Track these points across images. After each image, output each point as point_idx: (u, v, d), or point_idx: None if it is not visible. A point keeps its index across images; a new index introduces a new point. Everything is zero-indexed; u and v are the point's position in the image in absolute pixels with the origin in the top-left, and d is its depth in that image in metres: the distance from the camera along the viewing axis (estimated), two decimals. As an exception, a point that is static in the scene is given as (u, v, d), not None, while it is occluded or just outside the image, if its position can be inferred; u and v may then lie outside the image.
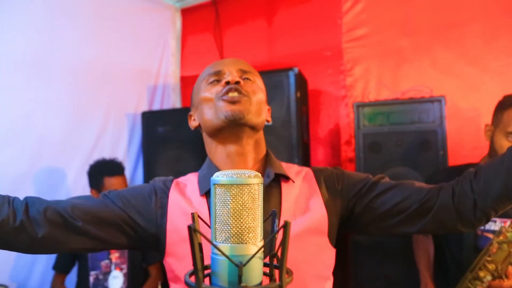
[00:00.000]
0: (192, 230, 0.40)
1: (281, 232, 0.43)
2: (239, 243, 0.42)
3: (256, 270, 0.43)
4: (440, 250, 1.79)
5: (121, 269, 2.09)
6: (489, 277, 1.41)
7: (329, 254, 0.91)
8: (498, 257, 1.39)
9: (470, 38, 2.40)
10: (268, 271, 0.47)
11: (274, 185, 0.92)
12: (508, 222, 1.46)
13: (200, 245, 0.43)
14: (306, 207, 0.90)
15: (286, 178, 0.93)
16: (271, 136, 2.15)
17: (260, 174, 0.45)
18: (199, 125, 0.97)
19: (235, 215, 0.43)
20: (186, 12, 3.35)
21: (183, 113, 2.84)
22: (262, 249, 0.43)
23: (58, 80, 2.36)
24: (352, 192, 0.93)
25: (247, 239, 0.43)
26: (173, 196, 0.92)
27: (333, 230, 0.91)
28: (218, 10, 3.18)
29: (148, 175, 2.73)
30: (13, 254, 2.12)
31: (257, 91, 0.93)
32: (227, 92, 0.88)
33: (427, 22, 2.51)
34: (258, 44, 3.04)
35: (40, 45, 2.26)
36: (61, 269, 2.14)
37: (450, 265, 1.69)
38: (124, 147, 2.85)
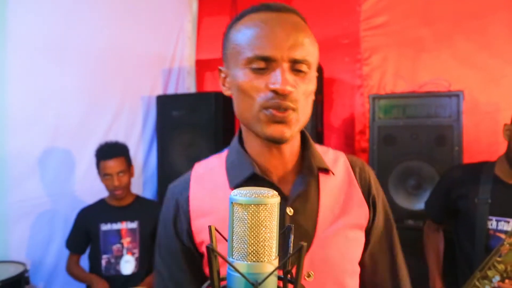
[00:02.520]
0: (210, 250, 0.41)
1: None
2: (255, 262, 0.44)
3: (270, 287, 0.44)
4: (451, 246, 1.79)
5: (132, 254, 2.14)
6: (497, 277, 1.42)
7: (362, 245, 0.87)
8: (509, 258, 1.39)
9: (494, 28, 2.34)
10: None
11: (311, 177, 0.84)
12: (521, 224, 1.46)
13: (217, 256, 0.44)
14: (347, 202, 0.84)
15: (325, 170, 0.86)
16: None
17: (277, 193, 0.46)
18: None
19: (252, 233, 0.44)
20: (202, -6, 3.32)
21: (198, 98, 2.86)
22: (277, 267, 0.45)
23: (74, 63, 2.38)
24: (374, 216, 0.88)
25: (263, 257, 0.44)
26: (194, 197, 0.84)
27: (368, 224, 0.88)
28: (235, -7, 3.14)
29: (162, 158, 2.77)
30: (30, 232, 2.19)
31: (309, 89, 0.78)
32: (273, 106, 0.74)
33: (448, 10, 2.44)
34: (274, 29, 3.00)
35: (57, 29, 2.27)
36: (74, 249, 2.20)
37: (461, 262, 1.69)
38: (138, 130, 2.89)
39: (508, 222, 1.54)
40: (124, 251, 2.13)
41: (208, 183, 0.84)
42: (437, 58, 2.46)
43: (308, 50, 0.77)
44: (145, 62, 2.92)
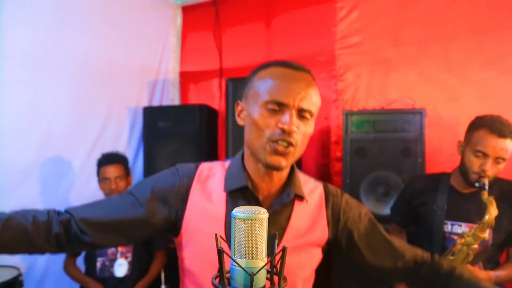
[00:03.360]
0: (220, 251, 0.59)
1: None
2: (251, 259, 0.61)
3: (261, 277, 0.62)
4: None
5: (126, 257, 2.27)
6: (451, 274, 1.63)
7: (318, 259, 1.09)
8: (459, 257, 1.61)
9: (454, 52, 2.58)
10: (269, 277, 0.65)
11: (288, 200, 1.04)
12: (471, 228, 1.68)
13: (221, 250, 0.61)
14: (312, 226, 1.05)
15: (301, 197, 1.06)
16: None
17: (266, 210, 0.63)
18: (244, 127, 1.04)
19: (249, 239, 0.61)
20: (187, 10, 3.48)
21: (183, 110, 3.02)
22: (267, 263, 0.62)
23: (63, 75, 2.48)
24: (351, 231, 1.09)
25: (257, 256, 0.61)
26: (194, 192, 1.03)
27: (326, 244, 1.09)
28: (218, 10, 3.31)
29: (148, 167, 2.90)
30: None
31: (308, 131, 0.98)
32: (277, 140, 0.94)
33: (415, 34, 2.68)
34: (255, 45, 3.18)
35: (47, 41, 2.37)
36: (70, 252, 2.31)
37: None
38: (125, 139, 3.01)
39: (461, 225, 1.77)
40: (118, 255, 2.26)
41: (206, 184, 1.05)
42: (404, 77, 2.68)
43: (313, 102, 0.99)
44: (132, 74, 3.05)
